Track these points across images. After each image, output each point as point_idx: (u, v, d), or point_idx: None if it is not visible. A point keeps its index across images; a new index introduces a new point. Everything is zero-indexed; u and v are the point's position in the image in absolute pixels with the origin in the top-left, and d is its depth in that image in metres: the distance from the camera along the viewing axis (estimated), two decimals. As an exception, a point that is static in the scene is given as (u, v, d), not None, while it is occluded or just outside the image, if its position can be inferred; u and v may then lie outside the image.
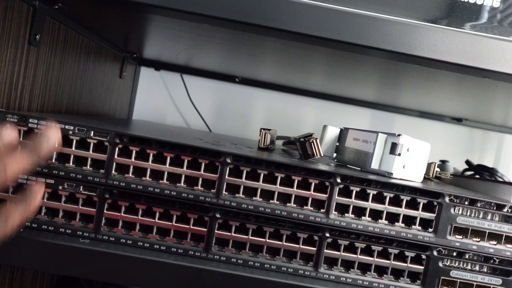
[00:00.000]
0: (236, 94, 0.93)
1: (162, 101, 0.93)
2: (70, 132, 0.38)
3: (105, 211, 0.38)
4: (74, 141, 0.38)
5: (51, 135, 0.32)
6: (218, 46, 0.57)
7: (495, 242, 0.39)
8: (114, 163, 0.38)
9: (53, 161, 0.38)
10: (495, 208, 0.39)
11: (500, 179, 0.68)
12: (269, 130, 0.51)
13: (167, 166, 0.38)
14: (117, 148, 0.38)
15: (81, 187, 0.38)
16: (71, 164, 0.38)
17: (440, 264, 0.40)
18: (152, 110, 0.93)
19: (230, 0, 0.36)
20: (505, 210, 0.39)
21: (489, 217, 0.39)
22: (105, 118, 0.65)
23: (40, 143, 0.31)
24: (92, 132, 0.38)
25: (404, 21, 0.37)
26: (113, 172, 0.38)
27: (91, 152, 0.38)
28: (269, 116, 0.94)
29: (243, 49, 0.55)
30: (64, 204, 0.38)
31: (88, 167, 0.38)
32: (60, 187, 0.38)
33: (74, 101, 0.60)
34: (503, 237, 0.39)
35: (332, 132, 0.51)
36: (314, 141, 0.44)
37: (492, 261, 0.40)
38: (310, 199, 0.39)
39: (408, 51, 0.37)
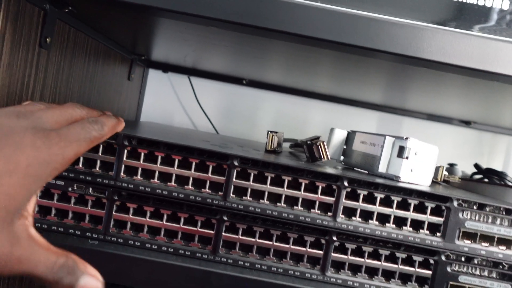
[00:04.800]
0: (243, 96, 0.94)
1: (170, 103, 0.94)
2: (80, 134, 0.38)
3: (113, 212, 0.39)
4: (84, 143, 0.38)
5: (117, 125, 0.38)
6: (225, 49, 0.57)
7: (504, 247, 0.39)
8: (123, 165, 0.38)
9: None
10: (504, 213, 0.39)
11: (510, 183, 0.67)
12: (276, 132, 0.51)
13: (175, 168, 0.38)
14: (125, 150, 0.38)
15: (90, 189, 0.38)
16: (80, 166, 0.38)
17: (448, 269, 0.39)
18: (160, 112, 0.93)
19: (237, 3, 0.36)
20: (515, 214, 0.39)
21: (498, 222, 0.39)
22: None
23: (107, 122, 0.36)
24: (101, 134, 0.38)
25: (412, 23, 0.37)
26: (121, 174, 0.38)
27: (100, 154, 0.38)
28: (276, 119, 0.94)
29: (250, 51, 0.55)
30: (73, 205, 0.39)
31: (97, 169, 0.38)
32: (70, 189, 0.38)
33: (83, 103, 0.61)
34: (513, 242, 0.39)
35: (339, 135, 0.51)
36: (321, 144, 0.44)
37: (501, 266, 0.40)
38: (317, 202, 0.39)
39: (416, 54, 0.37)
